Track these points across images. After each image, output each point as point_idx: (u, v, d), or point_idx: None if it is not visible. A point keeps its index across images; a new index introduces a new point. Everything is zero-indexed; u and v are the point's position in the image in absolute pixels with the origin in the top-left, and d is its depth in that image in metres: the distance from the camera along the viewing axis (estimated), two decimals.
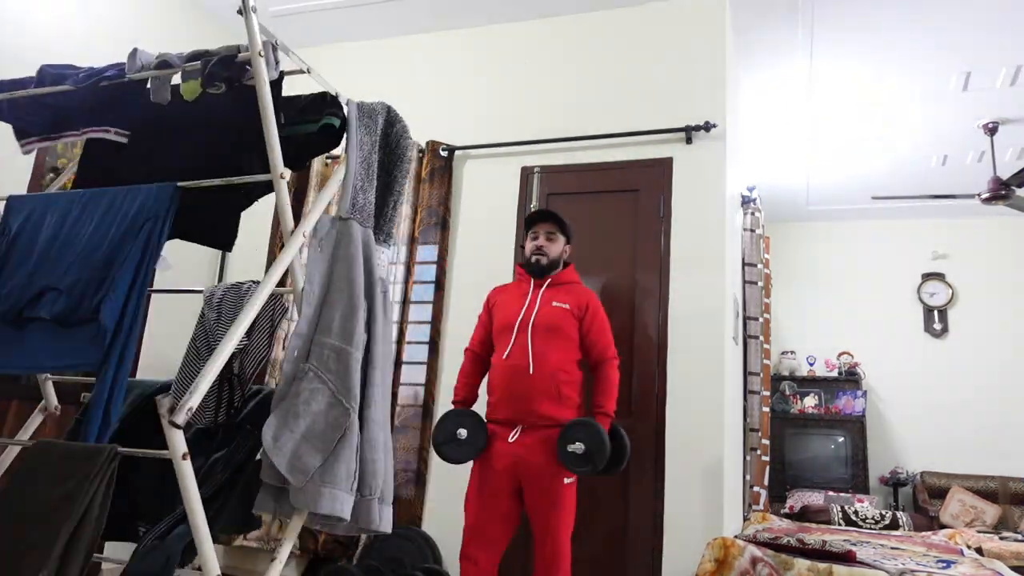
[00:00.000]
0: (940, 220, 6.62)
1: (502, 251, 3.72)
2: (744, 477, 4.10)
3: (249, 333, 1.91)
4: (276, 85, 1.89)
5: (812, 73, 4.40)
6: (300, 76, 2.04)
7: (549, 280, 2.79)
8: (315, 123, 2.01)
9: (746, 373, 4.29)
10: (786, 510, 5.43)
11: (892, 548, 3.25)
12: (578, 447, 2.51)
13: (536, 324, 2.68)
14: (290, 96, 2.05)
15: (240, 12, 1.83)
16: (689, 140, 3.53)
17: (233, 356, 1.89)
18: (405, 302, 3.70)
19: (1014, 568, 3.19)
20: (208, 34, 4.27)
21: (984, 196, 4.67)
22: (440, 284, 3.74)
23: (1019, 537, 4.23)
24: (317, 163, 4.08)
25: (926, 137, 5.09)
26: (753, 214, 4.43)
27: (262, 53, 1.80)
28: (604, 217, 3.60)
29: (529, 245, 2.84)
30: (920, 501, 5.83)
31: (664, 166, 3.56)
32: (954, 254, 6.55)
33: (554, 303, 2.72)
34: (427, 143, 3.90)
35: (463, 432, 2.66)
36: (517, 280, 2.91)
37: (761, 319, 4.38)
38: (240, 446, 1.92)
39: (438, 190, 3.81)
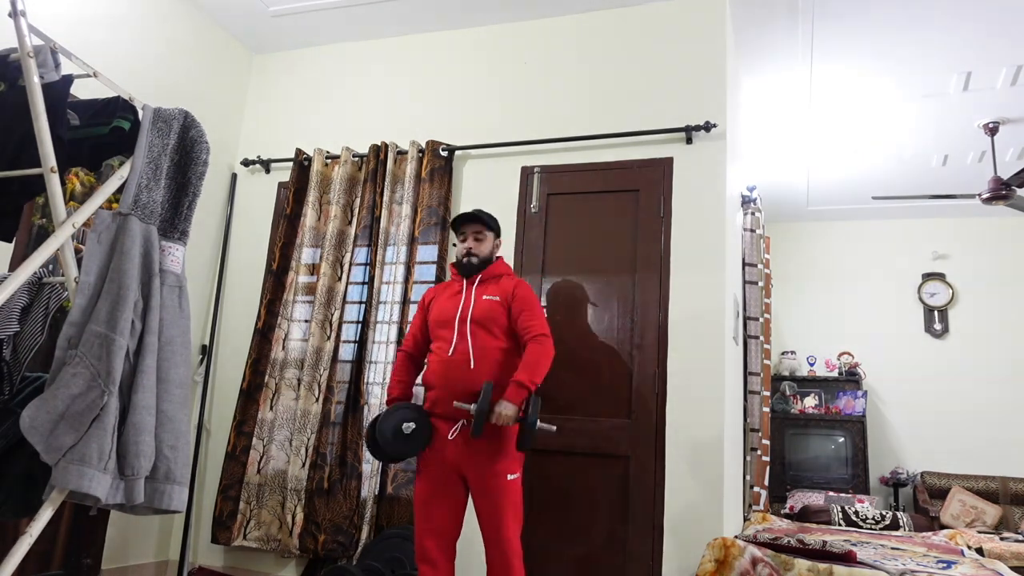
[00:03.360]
0: (940, 220, 6.62)
1: (502, 251, 3.71)
2: (744, 477, 4.09)
3: (23, 320, 2.02)
4: (62, 86, 2.09)
5: (812, 73, 4.39)
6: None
7: (479, 277, 2.85)
8: (105, 125, 2.16)
9: (746, 373, 4.29)
10: (786, 510, 5.43)
11: (892, 548, 3.25)
12: (464, 405, 2.55)
13: (472, 320, 2.74)
14: (88, 99, 2.23)
15: (10, 15, 1.97)
16: (689, 140, 3.53)
17: (4, 342, 2.02)
18: (405, 302, 3.70)
19: (1014, 568, 3.19)
20: (208, 34, 4.27)
21: (984, 196, 4.66)
22: None
23: (1020, 537, 4.23)
24: (317, 163, 4.07)
25: (926, 137, 5.09)
26: (753, 214, 4.43)
27: (31, 55, 1.96)
28: (604, 217, 3.59)
29: (459, 247, 2.91)
30: (920, 501, 5.82)
31: (664, 166, 3.56)
32: (954, 254, 6.55)
33: (485, 297, 2.80)
34: (427, 143, 3.90)
35: (410, 426, 2.66)
36: (450, 280, 2.97)
37: (761, 319, 4.37)
38: (10, 430, 1.98)
39: (438, 190, 3.80)
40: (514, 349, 2.75)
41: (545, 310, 3.58)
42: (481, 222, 2.89)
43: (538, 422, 2.55)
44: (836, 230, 6.91)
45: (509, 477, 2.58)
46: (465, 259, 2.88)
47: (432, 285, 3.72)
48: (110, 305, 1.89)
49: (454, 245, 3.02)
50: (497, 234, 2.97)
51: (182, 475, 1.96)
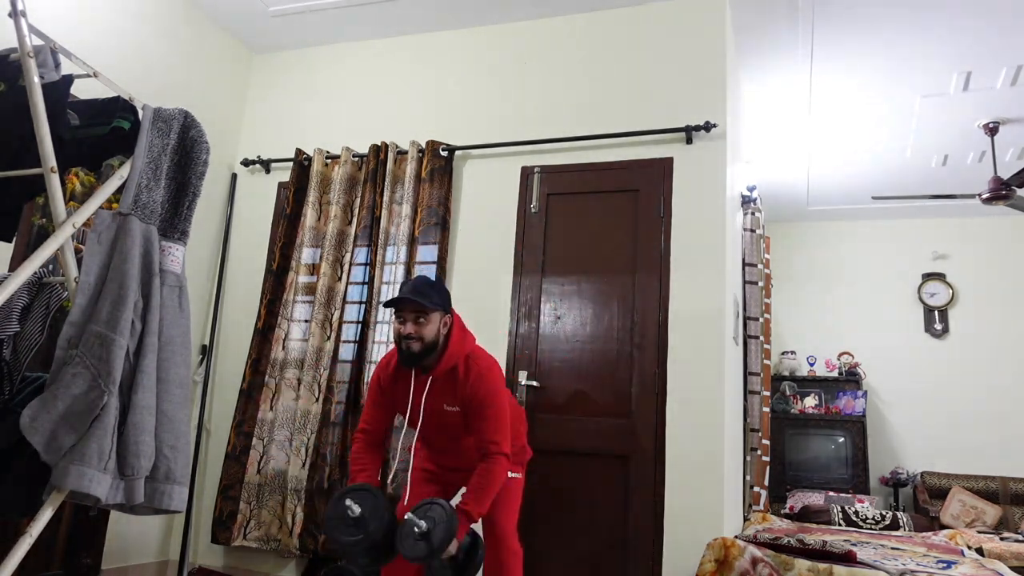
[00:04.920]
0: (940, 220, 6.62)
1: (502, 251, 3.72)
2: (744, 477, 4.09)
3: (23, 320, 2.02)
4: (62, 86, 2.09)
5: (812, 72, 4.39)
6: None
7: (431, 377, 2.45)
8: (106, 125, 2.15)
9: (746, 373, 4.29)
10: (786, 510, 5.42)
11: (892, 548, 3.25)
12: (420, 524, 2.18)
13: (433, 433, 2.50)
14: (88, 99, 2.23)
15: (10, 15, 1.97)
16: (689, 140, 3.53)
17: (4, 343, 2.01)
18: None
19: (1014, 569, 3.19)
20: (208, 34, 4.27)
21: (984, 196, 4.66)
22: None
23: (1020, 538, 4.23)
24: (317, 163, 4.07)
25: (926, 137, 5.09)
26: (753, 214, 4.43)
27: (31, 54, 1.96)
28: (604, 217, 3.59)
29: (395, 328, 2.44)
30: (920, 501, 5.82)
31: (664, 166, 3.56)
32: (954, 254, 6.55)
33: (445, 407, 2.44)
34: (427, 143, 3.90)
35: (356, 509, 2.24)
36: (398, 364, 2.55)
37: (761, 319, 4.37)
38: (10, 430, 1.98)
39: (438, 190, 3.80)
40: None
41: (543, 312, 3.58)
42: (418, 304, 2.38)
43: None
44: (836, 230, 6.91)
45: (510, 475, 2.56)
46: (404, 343, 2.41)
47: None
48: (110, 305, 1.89)
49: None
50: (446, 310, 2.47)
51: (182, 475, 1.96)
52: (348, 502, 2.24)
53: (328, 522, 2.30)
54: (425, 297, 2.39)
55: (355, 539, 2.23)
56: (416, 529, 2.17)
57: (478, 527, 2.57)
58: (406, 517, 2.21)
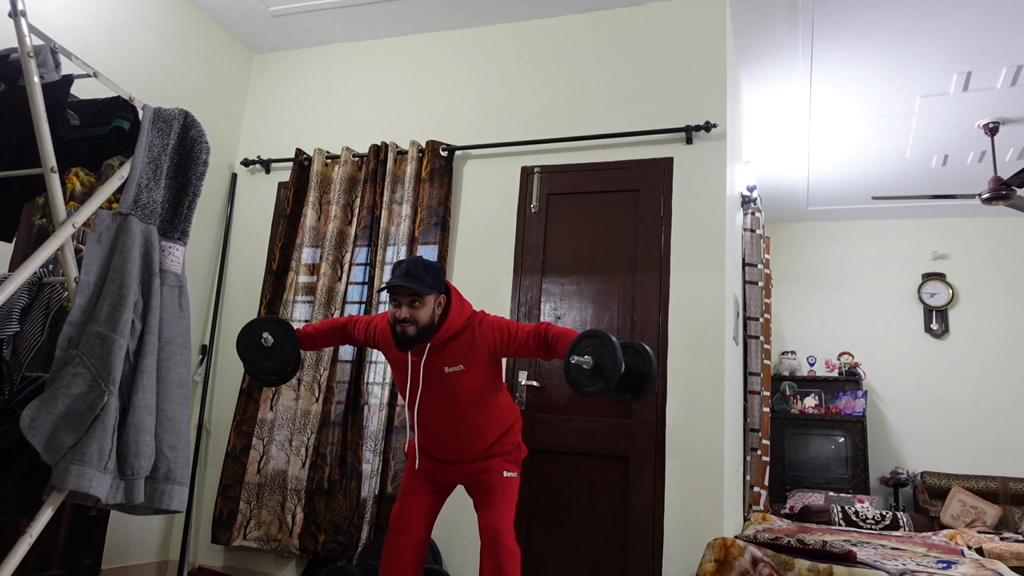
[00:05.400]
0: (940, 220, 6.62)
1: (502, 251, 3.72)
2: (744, 477, 4.10)
3: (23, 320, 2.02)
4: (62, 86, 2.10)
5: (812, 73, 4.39)
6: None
7: (428, 346, 2.44)
8: (106, 125, 2.16)
9: (746, 373, 4.29)
10: (786, 510, 5.43)
11: (892, 548, 3.25)
12: (585, 359, 2.15)
13: (431, 402, 2.46)
14: (88, 99, 2.22)
15: (10, 15, 1.97)
16: (689, 140, 3.53)
17: (4, 343, 2.02)
18: None
19: (1015, 569, 3.19)
20: (208, 34, 4.27)
21: (984, 196, 4.66)
22: None
23: (1020, 538, 4.23)
24: (317, 163, 4.07)
25: (926, 137, 5.09)
26: (753, 214, 4.43)
27: (31, 54, 1.96)
28: (604, 217, 3.59)
29: (391, 312, 2.43)
30: (920, 501, 5.82)
31: (664, 166, 3.56)
32: (954, 254, 6.54)
33: (446, 369, 2.43)
34: (427, 143, 3.90)
35: (268, 338, 2.52)
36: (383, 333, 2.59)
37: (761, 319, 4.38)
38: (10, 430, 1.99)
39: (438, 190, 3.80)
40: (491, 400, 2.55)
41: (543, 312, 3.58)
42: (412, 289, 2.37)
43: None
44: (836, 230, 6.91)
45: (506, 474, 2.56)
46: (399, 328, 2.41)
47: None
48: (110, 305, 1.89)
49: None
50: (440, 290, 2.45)
51: (182, 475, 1.96)
52: (266, 335, 2.56)
53: (245, 349, 2.58)
54: (418, 280, 2.38)
55: (267, 363, 2.58)
56: (585, 367, 2.16)
57: (474, 524, 2.57)
58: (571, 359, 2.20)
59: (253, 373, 2.71)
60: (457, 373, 2.45)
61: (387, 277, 3.77)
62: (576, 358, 2.18)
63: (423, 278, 2.39)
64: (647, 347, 2.28)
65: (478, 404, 2.51)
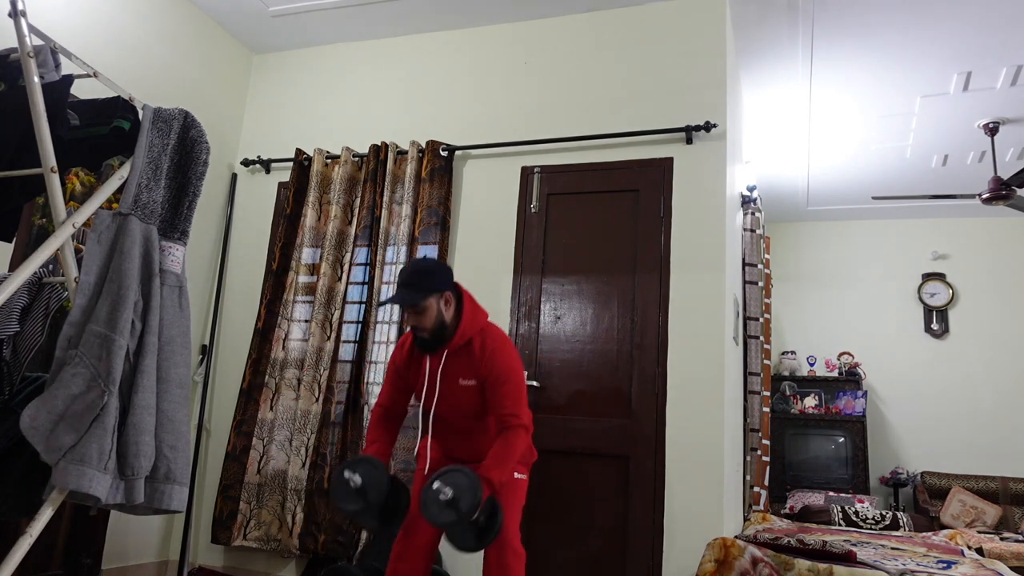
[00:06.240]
0: (940, 220, 6.62)
1: (502, 251, 3.72)
2: (744, 477, 4.10)
3: (23, 320, 2.03)
4: (62, 86, 2.10)
5: (812, 73, 4.39)
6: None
7: (446, 350, 2.51)
8: (106, 125, 2.16)
9: (746, 373, 4.29)
10: (786, 510, 5.43)
11: (892, 548, 3.25)
12: (446, 491, 2.19)
13: (446, 411, 2.51)
14: (88, 99, 2.22)
15: (10, 15, 1.97)
16: (689, 140, 3.53)
17: (4, 343, 2.02)
18: None
19: (1014, 569, 3.19)
20: (208, 34, 4.27)
21: (984, 196, 4.66)
22: None
23: (1020, 538, 4.23)
24: (317, 163, 4.07)
25: (926, 137, 5.09)
26: (753, 214, 4.43)
27: (31, 54, 1.97)
28: (604, 217, 3.59)
29: (406, 319, 2.55)
30: (920, 501, 5.82)
31: (664, 166, 3.56)
32: (954, 254, 6.55)
33: (461, 381, 2.49)
34: (427, 143, 3.90)
35: (357, 479, 2.34)
36: (412, 346, 2.62)
37: (761, 319, 4.38)
38: (10, 430, 1.99)
39: (438, 190, 3.80)
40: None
41: (543, 312, 3.58)
42: (408, 301, 2.42)
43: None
44: (836, 230, 6.91)
45: (516, 476, 2.56)
46: (416, 334, 2.52)
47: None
48: (110, 305, 1.89)
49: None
50: (441, 291, 2.47)
51: (182, 475, 1.96)
52: (347, 474, 2.35)
53: (333, 492, 2.40)
54: (412, 288, 2.42)
55: (358, 507, 2.36)
56: (442, 496, 2.19)
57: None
58: (432, 485, 2.22)
59: (360, 522, 2.55)
60: (470, 387, 2.50)
61: (387, 277, 3.78)
62: (438, 484, 2.21)
63: (417, 284, 2.43)
64: (498, 508, 2.32)
65: (482, 419, 2.55)
